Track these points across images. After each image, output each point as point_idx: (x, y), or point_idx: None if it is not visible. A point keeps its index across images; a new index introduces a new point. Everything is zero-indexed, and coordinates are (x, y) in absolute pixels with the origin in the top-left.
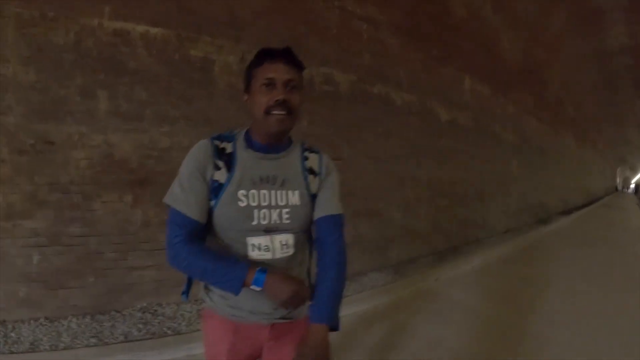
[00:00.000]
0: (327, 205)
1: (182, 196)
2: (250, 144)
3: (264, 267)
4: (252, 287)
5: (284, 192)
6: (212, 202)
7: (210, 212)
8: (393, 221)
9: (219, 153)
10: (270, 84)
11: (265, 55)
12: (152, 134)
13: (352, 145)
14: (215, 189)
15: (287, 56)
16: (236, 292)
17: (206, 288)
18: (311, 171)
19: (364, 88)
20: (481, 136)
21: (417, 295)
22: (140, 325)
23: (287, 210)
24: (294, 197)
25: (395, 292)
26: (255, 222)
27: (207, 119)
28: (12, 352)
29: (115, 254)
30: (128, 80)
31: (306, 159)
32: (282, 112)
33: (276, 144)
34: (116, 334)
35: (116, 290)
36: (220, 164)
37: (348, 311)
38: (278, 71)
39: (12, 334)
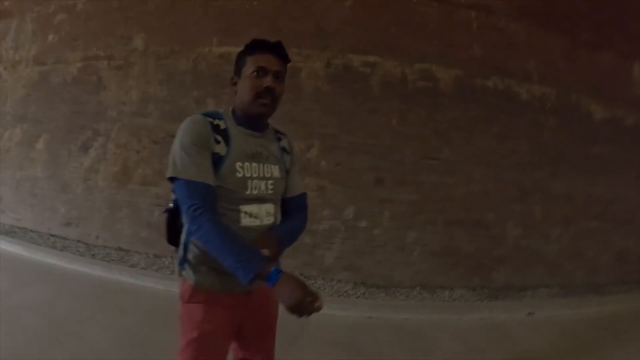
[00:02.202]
0: (299, 185)
1: (193, 165)
2: (239, 122)
3: (277, 268)
4: (264, 283)
5: (268, 165)
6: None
7: None
8: (506, 239)
9: (215, 129)
10: (261, 72)
11: (258, 46)
12: None
13: (454, 147)
14: (216, 162)
15: (278, 49)
16: (247, 282)
17: (190, 263)
18: (284, 150)
19: (473, 83)
20: None
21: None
22: None
23: (271, 182)
24: (276, 171)
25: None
26: (248, 192)
27: (292, 119)
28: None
29: None
30: (229, 90)
31: (280, 139)
32: (267, 100)
33: (259, 124)
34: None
35: None
36: (219, 138)
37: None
38: (269, 62)
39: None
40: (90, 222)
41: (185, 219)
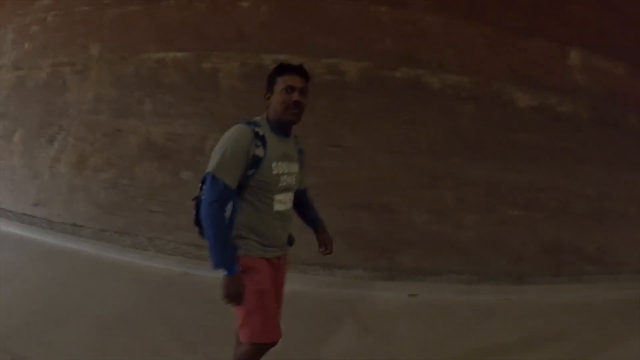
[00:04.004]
0: (306, 179)
1: (227, 170)
2: (272, 128)
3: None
4: (222, 271)
5: (292, 164)
6: (251, 172)
7: (246, 180)
8: (413, 223)
9: (256, 135)
10: (289, 90)
11: (286, 69)
12: (173, 125)
13: (359, 135)
14: (256, 162)
15: (301, 70)
16: (213, 267)
17: (241, 238)
18: (300, 151)
19: (380, 74)
20: (611, 132)
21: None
22: None
23: (294, 176)
24: (296, 168)
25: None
26: (280, 184)
27: (212, 114)
28: None
29: (141, 197)
30: (162, 90)
31: (296, 143)
32: (296, 111)
33: (287, 131)
34: None
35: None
36: (259, 143)
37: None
38: (295, 81)
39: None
40: (53, 203)
41: (203, 201)
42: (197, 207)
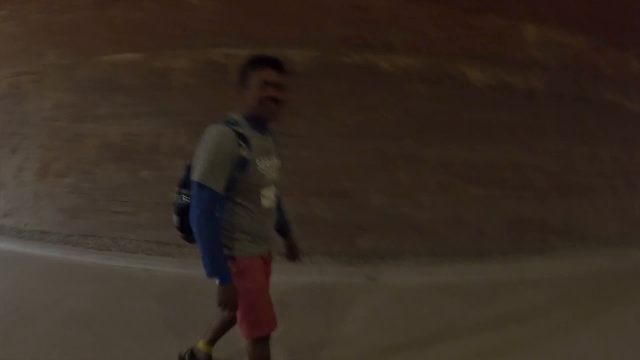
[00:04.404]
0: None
1: (213, 176)
2: (250, 125)
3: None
4: (216, 279)
5: (273, 158)
6: (237, 173)
7: (232, 182)
8: (369, 207)
9: (238, 135)
10: (264, 84)
11: (261, 62)
12: (129, 125)
13: (309, 123)
14: (241, 163)
15: (276, 63)
16: (207, 275)
17: (234, 239)
18: (278, 145)
19: (329, 61)
20: (570, 106)
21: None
22: None
23: (276, 171)
24: (277, 162)
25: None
26: (266, 180)
27: (166, 112)
28: None
29: (103, 199)
30: (117, 92)
31: (274, 136)
32: (273, 107)
33: (265, 127)
34: None
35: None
36: (242, 143)
37: None
38: (270, 75)
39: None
40: (21, 212)
41: (192, 210)
42: (180, 214)
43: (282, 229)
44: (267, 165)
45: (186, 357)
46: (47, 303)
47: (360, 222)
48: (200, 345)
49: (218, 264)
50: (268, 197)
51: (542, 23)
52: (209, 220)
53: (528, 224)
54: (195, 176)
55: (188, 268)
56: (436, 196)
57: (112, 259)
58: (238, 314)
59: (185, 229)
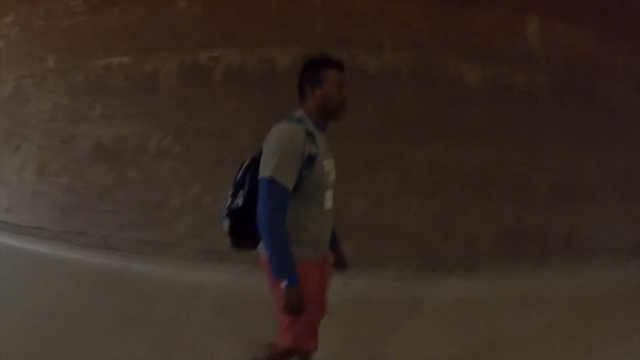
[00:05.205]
0: None
1: (285, 172)
2: (315, 124)
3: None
4: (284, 281)
5: (332, 159)
6: (306, 171)
7: (300, 181)
8: (352, 211)
9: (307, 133)
10: (337, 85)
11: (333, 63)
12: (120, 127)
13: None
14: (311, 160)
15: (343, 66)
16: (275, 275)
17: (292, 241)
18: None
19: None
20: (575, 104)
21: None
22: None
23: (334, 172)
24: (334, 163)
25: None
26: (329, 181)
27: (154, 113)
28: None
29: (94, 199)
30: (109, 94)
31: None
32: (345, 107)
33: (325, 126)
34: None
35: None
36: (311, 140)
37: None
38: (341, 76)
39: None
40: (20, 208)
41: (261, 208)
42: (233, 217)
43: (332, 236)
44: (330, 167)
45: None
46: (24, 295)
47: (342, 226)
48: None
49: (288, 264)
50: (330, 199)
51: (542, 14)
52: (282, 221)
53: (526, 234)
54: (266, 172)
55: (167, 267)
56: (424, 200)
57: (98, 255)
58: (283, 320)
59: (237, 233)
